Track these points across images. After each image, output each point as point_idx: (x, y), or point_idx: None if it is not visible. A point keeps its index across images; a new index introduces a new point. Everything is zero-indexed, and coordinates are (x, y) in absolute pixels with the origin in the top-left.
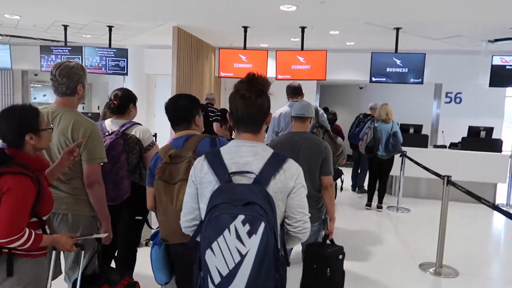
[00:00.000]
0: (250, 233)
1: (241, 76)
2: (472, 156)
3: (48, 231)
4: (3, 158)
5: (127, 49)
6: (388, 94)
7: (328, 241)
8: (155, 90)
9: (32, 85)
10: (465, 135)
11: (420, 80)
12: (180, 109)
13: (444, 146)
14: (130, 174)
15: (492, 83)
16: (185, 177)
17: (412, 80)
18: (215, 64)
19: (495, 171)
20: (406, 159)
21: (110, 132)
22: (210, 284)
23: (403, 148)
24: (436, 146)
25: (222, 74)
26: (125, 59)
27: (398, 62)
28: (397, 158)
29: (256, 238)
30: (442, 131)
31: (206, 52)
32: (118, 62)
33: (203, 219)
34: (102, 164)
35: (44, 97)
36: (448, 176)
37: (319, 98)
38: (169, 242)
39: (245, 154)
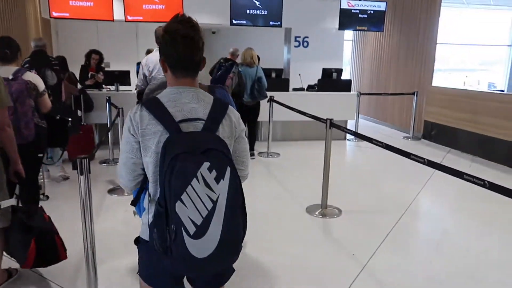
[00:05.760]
0: (217, 179)
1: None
2: (327, 97)
3: None
4: None
5: None
6: (241, 40)
7: None
8: None
9: None
10: (319, 77)
11: (279, 23)
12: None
13: (302, 89)
14: (32, 116)
15: (341, 26)
16: None
17: (271, 23)
18: (41, 2)
19: (347, 110)
20: (274, 103)
21: (10, 78)
22: (186, 236)
23: (270, 93)
24: (295, 89)
25: (54, 14)
26: None
27: (257, 3)
28: (264, 103)
29: (224, 183)
30: (299, 74)
31: None
32: None
33: (158, 173)
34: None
35: None
36: (331, 119)
37: None
38: None
39: (188, 100)
